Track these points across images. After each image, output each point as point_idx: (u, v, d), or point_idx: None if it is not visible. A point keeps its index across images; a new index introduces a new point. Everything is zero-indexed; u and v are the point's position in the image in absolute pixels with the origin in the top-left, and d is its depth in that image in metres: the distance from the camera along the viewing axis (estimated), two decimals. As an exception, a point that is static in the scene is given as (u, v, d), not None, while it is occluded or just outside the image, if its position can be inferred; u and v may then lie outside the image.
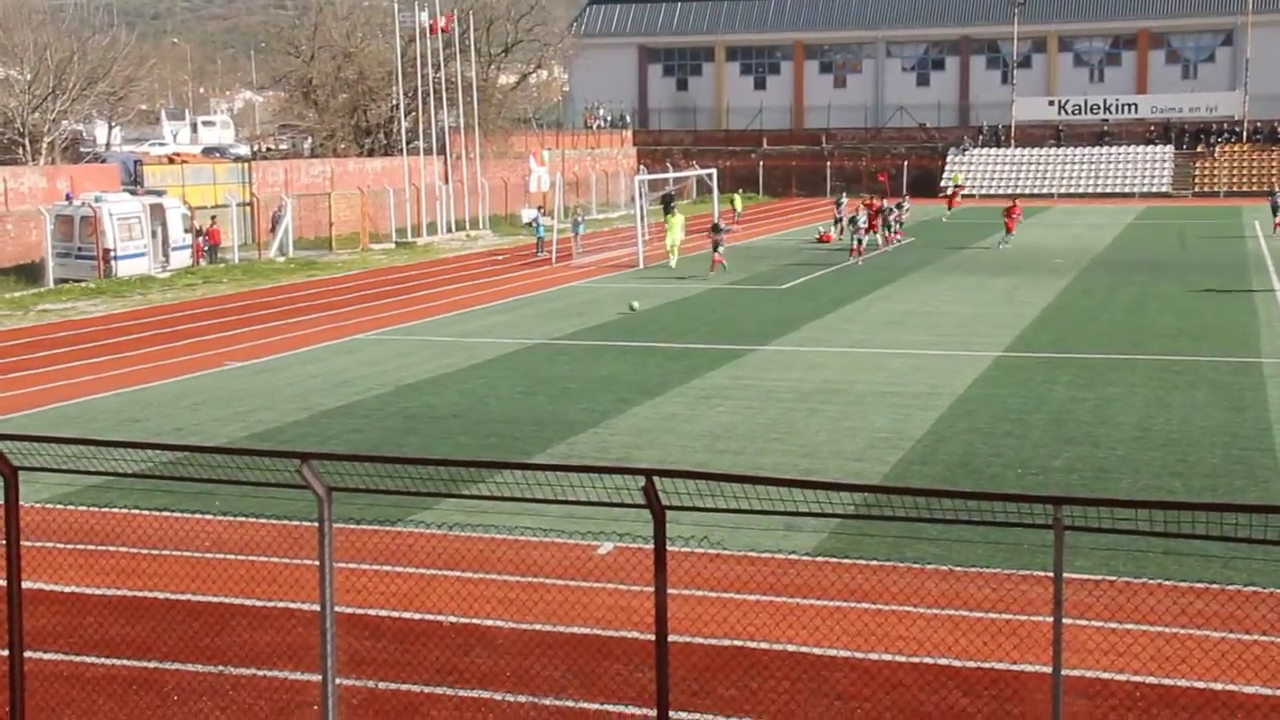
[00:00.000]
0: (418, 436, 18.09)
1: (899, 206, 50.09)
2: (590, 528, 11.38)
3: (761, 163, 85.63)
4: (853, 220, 44.04)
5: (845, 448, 17.00)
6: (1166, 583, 11.24)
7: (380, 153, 64.92)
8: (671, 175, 59.21)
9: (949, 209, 63.10)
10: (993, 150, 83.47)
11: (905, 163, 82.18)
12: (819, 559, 12.10)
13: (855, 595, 11.07)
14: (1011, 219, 46.81)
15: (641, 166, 76.31)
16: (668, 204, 46.84)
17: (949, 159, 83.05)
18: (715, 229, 40.56)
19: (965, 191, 76.31)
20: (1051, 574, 6.89)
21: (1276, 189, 54.03)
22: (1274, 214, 50.50)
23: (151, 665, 9.94)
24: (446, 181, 58.78)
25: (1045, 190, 79.22)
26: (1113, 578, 11.36)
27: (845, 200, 53.68)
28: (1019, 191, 78.62)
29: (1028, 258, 43.14)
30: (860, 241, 42.47)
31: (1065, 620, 6.60)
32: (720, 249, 40.05)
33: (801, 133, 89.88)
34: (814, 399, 20.32)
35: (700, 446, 17.21)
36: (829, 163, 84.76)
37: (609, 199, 71.46)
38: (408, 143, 58.16)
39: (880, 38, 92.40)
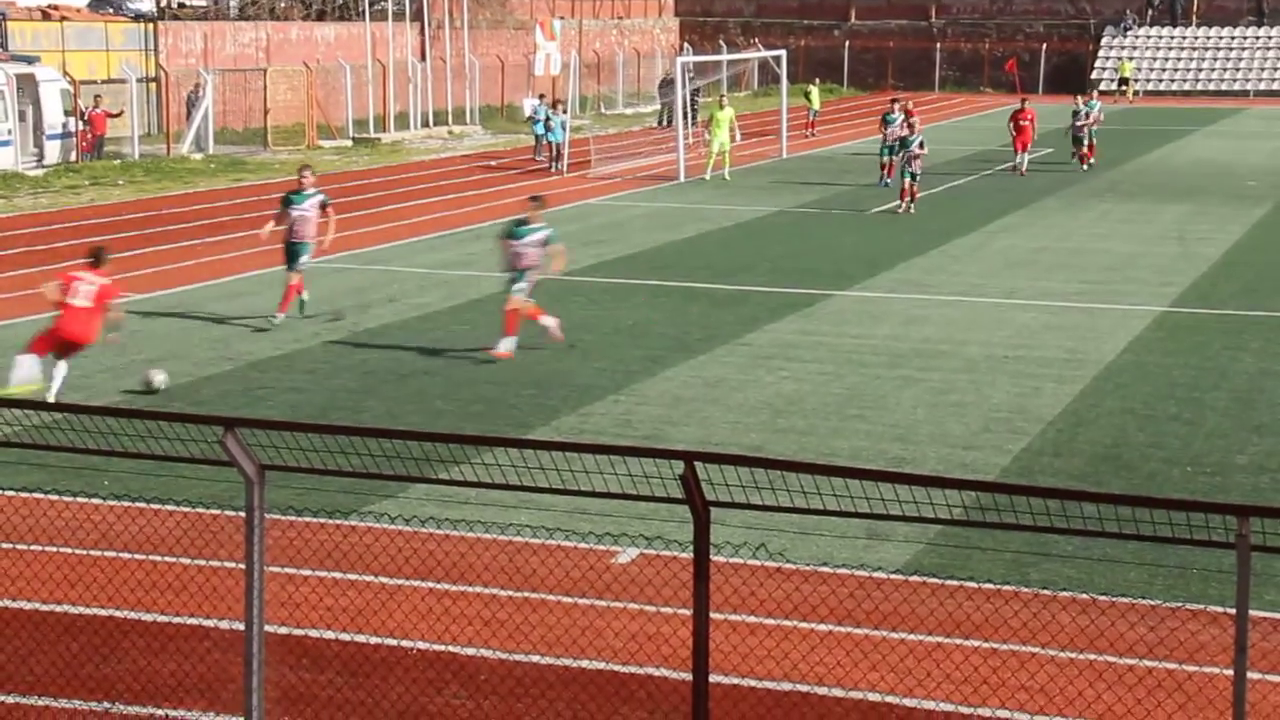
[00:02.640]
0: (379, 400, 18.18)
1: (1081, 111, 46.29)
2: (607, 528, 11.39)
3: (848, 43, 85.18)
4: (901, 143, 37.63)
5: (951, 430, 17.02)
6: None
7: (334, 17, 64.83)
8: (726, 57, 59.01)
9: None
10: (1165, 31, 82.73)
11: (1043, 46, 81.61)
12: (912, 579, 12.11)
13: (961, 630, 11.07)
14: None
15: (685, 45, 76.05)
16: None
17: (1105, 42, 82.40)
18: (286, 201, 22.91)
19: (1136, 88, 75.76)
20: (1232, 610, 6.86)
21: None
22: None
23: (11, 701, 10.02)
24: (423, 58, 58.64)
25: (1238, 87, 78.51)
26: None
27: (1092, 105, 46.20)
28: (1203, 88, 77.99)
29: (1209, 178, 42.84)
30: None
31: (1250, 675, 6.58)
32: (300, 263, 22.61)
33: (902, 3, 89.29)
34: (910, 364, 20.32)
35: (756, 423, 17.24)
36: (939, 44, 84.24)
37: (640, 88, 71.21)
38: (371, 4, 58.05)
39: None
